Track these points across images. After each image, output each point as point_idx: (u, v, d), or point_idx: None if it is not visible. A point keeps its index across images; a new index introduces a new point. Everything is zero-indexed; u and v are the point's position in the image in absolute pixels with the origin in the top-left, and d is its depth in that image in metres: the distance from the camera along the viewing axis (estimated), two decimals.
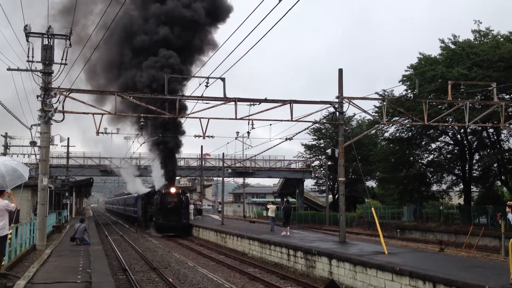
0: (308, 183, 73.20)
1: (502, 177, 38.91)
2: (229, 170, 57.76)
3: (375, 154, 47.10)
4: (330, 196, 61.92)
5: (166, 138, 37.56)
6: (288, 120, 21.44)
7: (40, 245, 21.00)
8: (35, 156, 35.87)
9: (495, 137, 38.22)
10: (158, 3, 38.22)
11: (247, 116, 21.07)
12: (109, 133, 29.09)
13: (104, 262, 16.99)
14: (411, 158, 44.23)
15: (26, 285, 11.70)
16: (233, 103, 20.55)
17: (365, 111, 23.35)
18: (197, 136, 24.73)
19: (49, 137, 22.08)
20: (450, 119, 34.77)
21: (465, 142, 40.17)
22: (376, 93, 38.96)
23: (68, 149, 48.87)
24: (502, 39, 34.06)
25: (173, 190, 39.13)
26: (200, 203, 55.23)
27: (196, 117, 21.24)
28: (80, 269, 14.49)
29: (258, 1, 11.92)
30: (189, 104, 30.38)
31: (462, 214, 39.58)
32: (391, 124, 39.49)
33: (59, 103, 19.92)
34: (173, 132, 37.65)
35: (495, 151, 37.85)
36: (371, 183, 61.60)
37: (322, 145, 63.43)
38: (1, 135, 41.70)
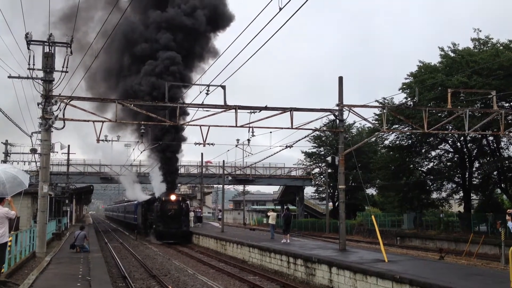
0: (308, 191, 73.30)
1: (502, 185, 38.89)
2: (229, 178, 57.74)
3: (375, 162, 47.11)
4: (330, 203, 61.87)
5: (166, 145, 37.58)
6: (288, 128, 21.48)
7: (39, 253, 20.98)
8: (36, 163, 35.95)
9: (495, 145, 38.24)
10: (159, 9, 38.34)
11: (247, 124, 21.13)
12: (109, 140, 29.15)
13: (103, 269, 16.98)
14: (411, 165, 44.24)
15: None
16: (234, 110, 20.61)
17: (365, 119, 23.44)
18: (197, 143, 24.77)
19: (49, 144, 22.11)
20: (450, 127, 34.84)
21: (465, 150, 40.19)
22: (376, 101, 39.08)
23: (68, 156, 48.97)
24: (501, 47, 34.18)
25: (173, 197, 39.13)
26: (200, 210, 55.21)
27: (197, 125, 21.31)
28: (79, 277, 14.48)
29: (259, 9, 12.00)
30: (190, 111, 30.49)
31: (462, 222, 39.52)
32: (391, 132, 39.52)
33: (60, 110, 19.99)
34: (174, 138, 37.66)
35: (495, 159, 37.86)
36: (371, 191, 61.60)
37: (322, 152, 63.44)
38: (2, 142, 41.81)
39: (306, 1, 11.68)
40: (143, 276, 20.00)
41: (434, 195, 45.80)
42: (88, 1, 37.29)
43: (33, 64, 21.20)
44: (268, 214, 30.73)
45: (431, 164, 44.29)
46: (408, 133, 38.50)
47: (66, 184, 48.25)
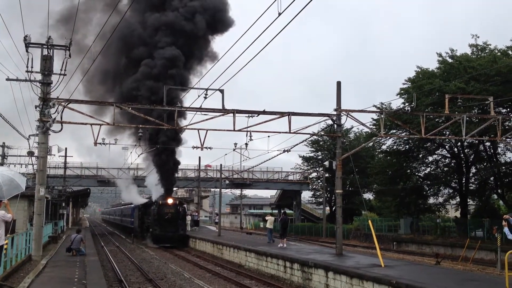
0: (306, 195, 73.28)
1: (499, 190, 38.98)
2: (227, 182, 57.72)
3: (372, 167, 47.18)
4: (327, 208, 61.88)
5: (164, 148, 37.50)
6: (286, 132, 21.51)
7: (35, 256, 20.93)
8: (33, 166, 35.92)
9: (492, 151, 38.35)
10: (157, 11, 38.25)
11: (245, 128, 21.15)
12: (107, 143, 29.11)
13: (99, 273, 16.94)
14: (408, 170, 44.31)
15: None
16: (232, 114, 20.63)
17: (363, 124, 23.49)
18: (195, 147, 24.79)
19: (46, 147, 22.11)
20: (447, 132, 34.89)
21: (462, 155, 40.29)
22: (374, 105, 39.15)
23: (65, 159, 48.87)
24: (499, 54, 34.31)
25: (170, 201, 39.07)
26: (197, 214, 55.11)
27: (195, 128, 21.30)
28: (75, 280, 14.45)
29: (258, 13, 12.05)
30: (188, 115, 30.49)
31: (458, 227, 39.58)
32: (388, 137, 39.61)
33: (58, 113, 19.97)
34: (171, 141, 37.56)
35: (492, 164, 37.95)
36: (368, 196, 61.66)
37: (320, 157, 63.53)
38: None
39: (304, 7, 11.74)
40: (140, 280, 19.96)
41: (431, 200, 45.89)
42: (86, 3, 37.30)
43: (31, 67, 21.20)
44: (266, 218, 30.73)
45: (428, 169, 44.39)
46: (405, 138, 38.58)
47: (63, 187, 48.16)
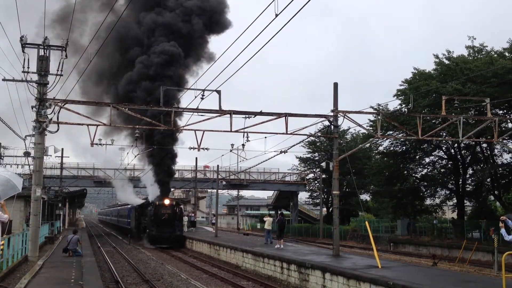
0: (302, 196, 73.25)
1: (495, 191, 39.01)
2: (224, 182, 57.68)
3: (369, 168, 47.18)
4: (324, 209, 61.85)
5: (160, 148, 37.42)
6: (283, 133, 21.52)
7: (32, 256, 20.85)
8: (29, 166, 35.79)
9: (489, 152, 38.39)
10: (153, 11, 38.14)
11: (242, 129, 21.15)
12: (103, 144, 29.01)
13: (96, 274, 16.89)
14: (405, 172, 44.34)
15: None
16: (229, 115, 20.61)
17: (359, 125, 23.50)
18: (192, 148, 24.75)
19: (43, 147, 22.02)
20: (444, 134, 34.95)
21: (459, 156, 40.33)
22: (371, 107, 39.08)
23: (62, 159, 48.74)
24: (495, 55, 34.36)
25: (167, 201, 39.01)
26: (194, 215, 55.06)
27: (191, 129, 21.27)
28: (72, 281, 14.40)
29: (255, 14, 12.06)
30: (184, 116, 30.43)
31: (455, 229, 39.61)
32: (385, 138, 39.62)
33: (54, 114, 19.90)
34: (168, 141, 37.48)
35: (489, 166, 37.98)
36: (365, 197, 61.68)
37: (317, 158, 63.47)
38: None
39: (302, 8, 11.73)
40: (136, 281, 19.92)
41: (428, 202, 45.90)
42: (82, 2, 37.23)
43: (28, 67, 21.10)
44: (265, 219, 30.73)
45: (425, 170, 44.42)
46: (402, 139, 38.58)
47: (59, 188, 48.02)
